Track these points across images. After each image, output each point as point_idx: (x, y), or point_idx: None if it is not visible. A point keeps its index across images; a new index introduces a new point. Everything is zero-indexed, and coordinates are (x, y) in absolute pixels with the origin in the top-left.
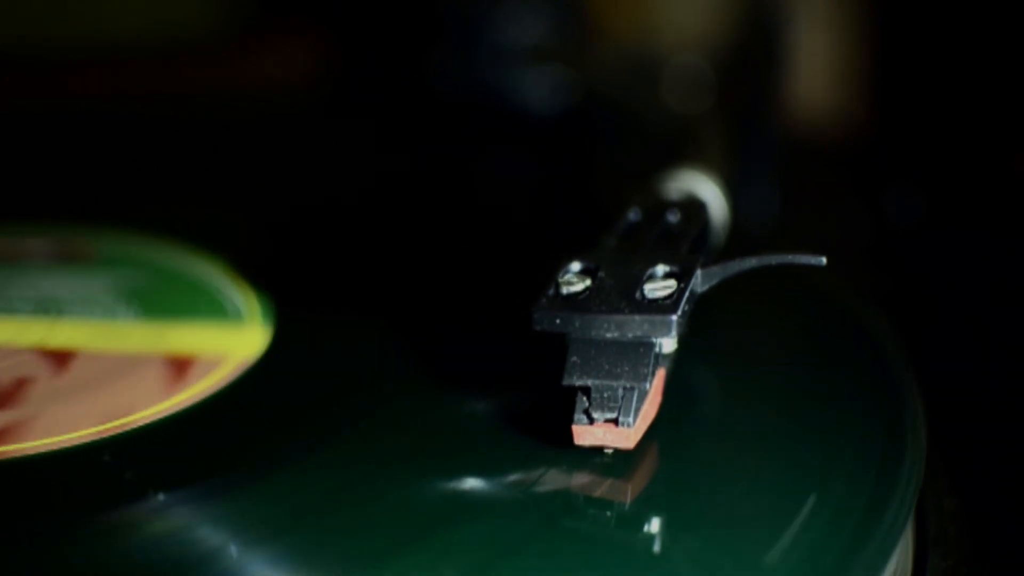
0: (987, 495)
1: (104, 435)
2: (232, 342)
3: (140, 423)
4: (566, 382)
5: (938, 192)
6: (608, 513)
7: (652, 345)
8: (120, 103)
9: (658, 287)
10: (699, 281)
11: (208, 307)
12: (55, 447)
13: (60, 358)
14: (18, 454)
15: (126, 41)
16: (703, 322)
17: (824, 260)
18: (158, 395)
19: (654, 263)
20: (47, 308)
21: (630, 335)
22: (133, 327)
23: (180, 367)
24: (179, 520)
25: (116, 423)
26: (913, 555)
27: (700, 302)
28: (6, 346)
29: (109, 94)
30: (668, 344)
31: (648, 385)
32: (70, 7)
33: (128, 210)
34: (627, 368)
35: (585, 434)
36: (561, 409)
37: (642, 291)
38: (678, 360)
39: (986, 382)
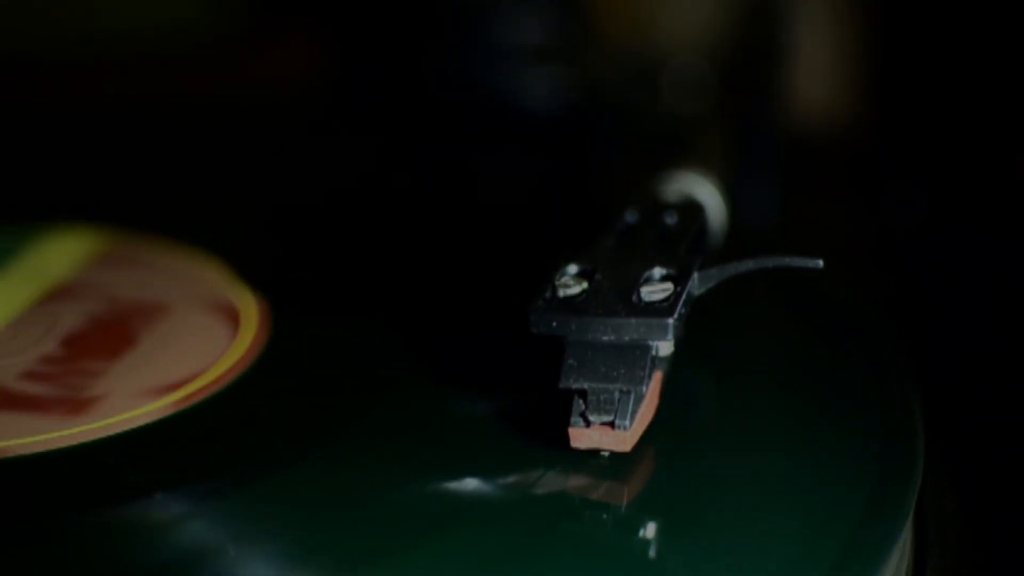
0: (987, 495)
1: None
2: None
3: None
4: (563, 385)
5: (938, 192)
6: (604, 516)
7: (648, 348)
8: (121, 103)
9: (655, 290)
10: (696, 284)
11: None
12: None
13: (67, 291)
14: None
15: (127, 41)
16: (700, 324)
17: (821, 263)
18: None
19: (651, 265)
20: None
21: (627, 338)
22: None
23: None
24: (178, 520)
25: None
26: (913, 555)
27: (696, 303)
28: (19, 311)
29: (109, 94)
30: (665, 347)
31: (644, 388)
32: (70, 7)
33: (128, 210)
34: (623, 371)
35: (582, 437)
36: (558, 411)
37: (639, 294)
38: (675, 363)
39: (986, 382)
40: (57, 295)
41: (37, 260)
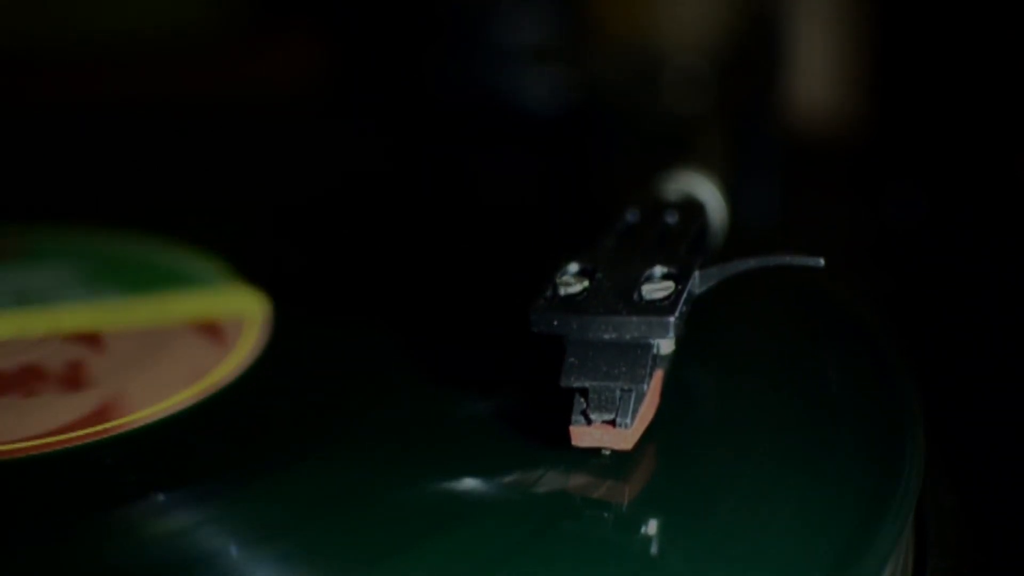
0: (987, 495)
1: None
2: (232, 302)
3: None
4: (564, 383)
5: (938, 192)
6: (605, 514)
7: (650, 346)
8: (121, 103)
9: (656, 288)
10: (697, 282)
11: (177, 277)
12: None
13: (90, 340)
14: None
15: (127, 41)
16: (701, 322)
17: (822, 261)
18: (217, 356)
19: (652, 264)
20: (29, 299)
21: (628, 336)
22: (130, 304)
23: (211, 331)
24: (177, 520)
25: (202, 384)
26: (913, 556)
27: (697, 302)
28: (24, 337)
29: (109, 94)
30: (666, 345)
31: (645, 386)
32: (70, 7)
33: (128, 210)
34: (624, 369)
35: (583, 435)
36: (558, 411)
37: (640, 292)
38: (675, 361)
39: (986, 382)
40: (81, 337)
41: (157, 302)
